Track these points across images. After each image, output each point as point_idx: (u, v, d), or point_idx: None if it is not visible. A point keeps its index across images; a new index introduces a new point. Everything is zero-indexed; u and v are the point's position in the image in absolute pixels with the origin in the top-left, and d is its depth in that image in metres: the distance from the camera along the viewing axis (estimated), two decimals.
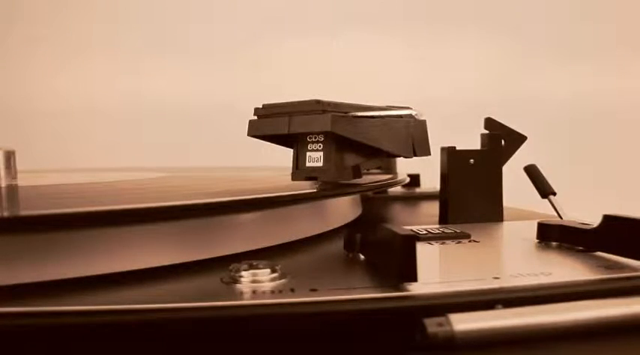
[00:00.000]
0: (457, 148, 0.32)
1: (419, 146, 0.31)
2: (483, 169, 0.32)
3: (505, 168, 0.33)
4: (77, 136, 0.72)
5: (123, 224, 0.21)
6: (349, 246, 0.24)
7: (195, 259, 0.23)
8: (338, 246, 0.25)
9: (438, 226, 0.30)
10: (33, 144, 0.65)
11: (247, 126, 0.30)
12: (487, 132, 0.33)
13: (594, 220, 0.23)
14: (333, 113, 0.27)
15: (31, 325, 0.15)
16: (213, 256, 0.23)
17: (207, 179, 0.40)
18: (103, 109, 0.73)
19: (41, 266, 0.19)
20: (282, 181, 0.32)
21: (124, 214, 0.20)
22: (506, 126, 0.33)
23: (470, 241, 0.26)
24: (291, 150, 0.30)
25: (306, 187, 0.28)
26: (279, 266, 0.19)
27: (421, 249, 0.24)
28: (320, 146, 0.29)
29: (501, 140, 0.33)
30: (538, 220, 0.26)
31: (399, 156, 0.31)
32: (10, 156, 0.36)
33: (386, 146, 0.29)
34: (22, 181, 0.36)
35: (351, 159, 0.29)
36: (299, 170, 0.30)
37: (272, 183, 0.33)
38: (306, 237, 0.28)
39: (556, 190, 0.33)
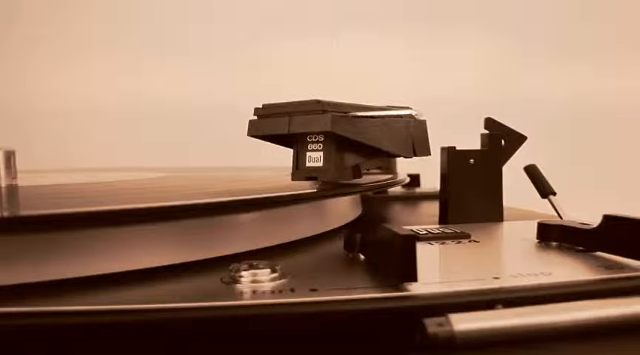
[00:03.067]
0: (457, 148, 0.32)
1: (419, 146, 0.31)
2: (483, 169, 0.32)
3: (505, 168, 0.33)
4: (77, 136, 0.72)
5: (123, 224, 0.21)
6: (349, 246, 0.23)
7: (195, 259, 0.23)
8: (338, 246, 0.25)
9: (438, 226, 0.30)
10: (33, 144, 0.65)
11: (247, 126, 0.30)
12: (487, 132, 0.33)
13: (594, 220, 0.23)
14: (333, 113, 0.27)
15: (31, 325, 0.15)
16: (213, 256, 0.23)
17: (207, 179, 0.40)
18: (103, 109, 0.73)
19: (41, 266, 0.19)
20: (282, 181, 0.32)
21: (124, 214, 0.20)
22: (506, 126, 0.33)
23: (470, 241, 0.26)
24: (291, 150, 0.30)
25: (306, 187, 0.28)
26: (279, 266, 0.19)
27: (421, 249, 0.24)
28: (320, 146, 0.29)
29: (501, 140, 0.33)
30: (538, 220, 0.26)
31: (399, 156, 0.31)
32: (10, 156, 0.36)
33: (386, 146, 0.29)
34: (22, 181, 0.36)
35: (351, 159, 0.29)
36: (299, 170, 0.30)
37: (272, 183, 0.33)
38: (306, 237, 0.28)
39: (556, 190, 0.33)
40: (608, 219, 0.22)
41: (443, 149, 0.32)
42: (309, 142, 0.29)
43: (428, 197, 0.49)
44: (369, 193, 0.47)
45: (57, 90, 0.72)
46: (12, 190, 0.33)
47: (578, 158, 0.77)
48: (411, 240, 0.17)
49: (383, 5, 0.77)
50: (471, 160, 0.32)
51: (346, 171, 0.28)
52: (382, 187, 0.36)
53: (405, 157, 0.30)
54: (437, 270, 0.21)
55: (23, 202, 0.27)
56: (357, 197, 0.39)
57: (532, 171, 0.34)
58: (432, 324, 0.15)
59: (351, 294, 0.17)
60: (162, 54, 0.73)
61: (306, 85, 0.65)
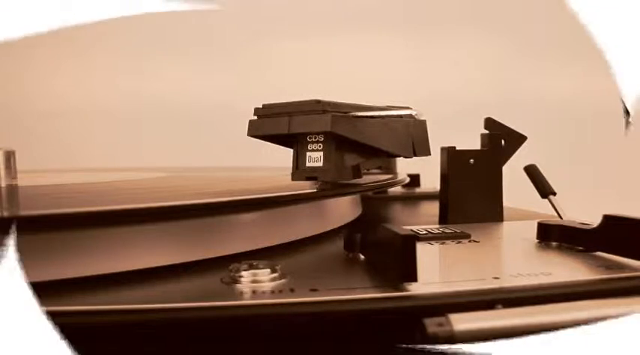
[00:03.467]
0: (457, 148, 0.32)
1: (419, 146, 0.31)
2: (483, 169, 0.32)
3: (505, 168, 0.33)
4: (77, 136, 0.72)
5: (123, 224, 0.21)
6: (349, 246, 0.23)
7: (195, 259, 0.23)
8: (338, 246, 0.25)
9: (438, 226, 0.30)
10: (33, 144, 0.65)
11: (247, 126, 0.30)
12: (487, 132, 0.33)
13: (594, 220, 0.23)
14: (333, 113, 0.27)
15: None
16: (213, 256, 0.23)
17: (207, 179, 0.40)
18: (103, 109, 0.73)
19: (41, 266, 0.19)
20: (282, 181, 0.32)
21: (124, 214, 0.20)
22: (506, 126, 0.33)
23: (470, 241, 0.26)
24: (291, 150, 0.30)
25: (306, 187, 0.28)
26: (279, 266, 0.19)
27: (421, 249, 0.24)
28: (320, 146, 0.29)
29: (501, 140, 0.33)
30: (538, 220, 0.26)
31: (399, 156, 0.31)
32: (10, 156, 0.36)
33: (386, 146, 0.29)
34: (22, 181, 0.36)
35: (351, 159, 0.29)
36: (299, 170, 0.30)
37: (272, 183, 0.33)
38: (306, 237, 0.28)
39: (556, 190, 0.33)
40: (608, 219, 0.22)
41: (443, 149, 0.32)
42: (309, 142, 0.29)
43: (428, 197, 0.49)
44: (369, 193, 0.47)
45: (57, 91, 0.72)
46: (12, 190, 0.33)
47: (578, 158, 0.77)
48: (411, 240, 0.17)
49: (383, 5, 0.77)
50: (471, 160, 0.32)
51: (346, 171, 0.28)
52: (382, 187, 0.36)
53: (405, 157, 0.30)
54: (437, 270, 0.21)
55: (23, 202, 0.27)
56: (357, 197, 0.39)
57: (532, 171, 0.34)
58: (432, 324, 0.15)
59: (351, 294, 0.17)
60: (162, 54, 0.73)
61: (306, 85, 0.65)
